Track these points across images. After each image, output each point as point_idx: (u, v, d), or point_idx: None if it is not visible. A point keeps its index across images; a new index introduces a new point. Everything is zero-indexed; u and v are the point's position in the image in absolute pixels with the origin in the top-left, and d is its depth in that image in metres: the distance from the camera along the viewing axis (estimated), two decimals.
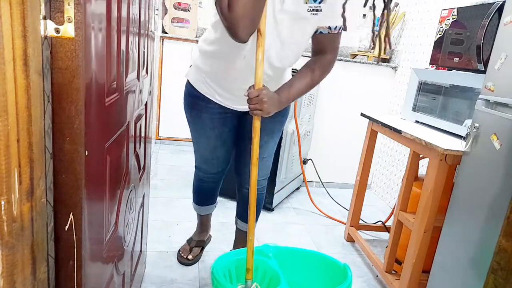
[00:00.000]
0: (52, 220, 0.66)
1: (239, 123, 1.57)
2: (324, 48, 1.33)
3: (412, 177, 1.73)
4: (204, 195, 1.80)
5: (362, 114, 2.08)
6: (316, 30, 1.29)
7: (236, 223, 1.85)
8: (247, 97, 1.20)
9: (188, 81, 1.53)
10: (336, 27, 1.29)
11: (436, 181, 1.45)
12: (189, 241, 1.91)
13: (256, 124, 1.25)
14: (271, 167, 2.42)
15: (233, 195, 2.56)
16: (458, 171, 1.39)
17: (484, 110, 1.26)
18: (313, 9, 1.24)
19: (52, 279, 0.68)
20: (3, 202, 0.51)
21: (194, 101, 1.51)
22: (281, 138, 2.36)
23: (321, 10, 1.25)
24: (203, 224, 1.92)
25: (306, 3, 1.22)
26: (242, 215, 1.79)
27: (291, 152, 2.53)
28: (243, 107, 1.42)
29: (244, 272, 1.33)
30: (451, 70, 1.77)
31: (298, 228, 2.33)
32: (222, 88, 1.43)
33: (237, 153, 1.66)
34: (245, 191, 1.69)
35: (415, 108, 1.93)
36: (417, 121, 1.91)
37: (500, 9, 1.47)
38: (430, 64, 1.92)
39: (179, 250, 1.88)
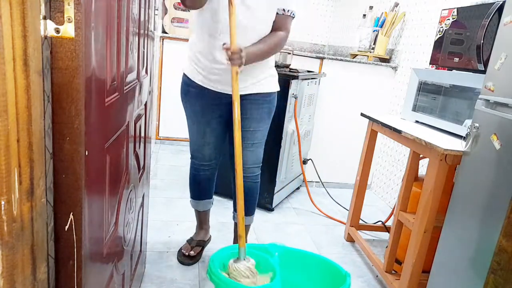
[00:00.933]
0: (52, 220, 0.66)
1: (230, 111, 1.64)
2: (278, 26, 1.58)
3: (412, 177, 1.73)
4: (199, 187, 1.85)
5: (362, 114, 2.08)
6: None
7: (234, 218, 1.87)
8: (225, 49, 1.39)
9: (184, 73, 1.70)
10: (289, 10, 1.56)
11: (436, 181, 1.45)
12: (189, 241, 1.91)
13: (237, 105, 1.39)
14: (272, 167, 2.43)
15: (232, 194, 2.57)
16: (458, 171, 1.39)
17: (484, 110, 1.26)
18: None
19: (52, 279, 0.68)
20: (3, 202, 0.51)
21: (188, 88, 1.68)
22: (281, 138, 2.36)
23: None
24: (202, 222, 1.94)
25: None
26: None
27: (291, 152, 2.53)
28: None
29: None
30: (451, 70, 1.77)
31: (298, 228, 2.33)
32: (209, 70, 1.59)
33: (230, 139, 1.73)
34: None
35: (415, 108, 1.93)
36: (417, 121, 1.91)
37: (500, 9, 1.47)
38: (430, 64, 1.92)
39: (180, 250, 1.88)
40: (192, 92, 1.66)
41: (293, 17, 1.60)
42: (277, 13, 1.55)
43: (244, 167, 1.67)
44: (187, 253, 1.84)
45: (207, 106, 1.66)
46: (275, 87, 1.71)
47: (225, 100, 1.63)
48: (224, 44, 1.40)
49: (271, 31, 1.58)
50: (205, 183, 1.85)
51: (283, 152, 2.42)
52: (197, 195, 1.86)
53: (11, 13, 0.49)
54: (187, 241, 1.92)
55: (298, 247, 1.52)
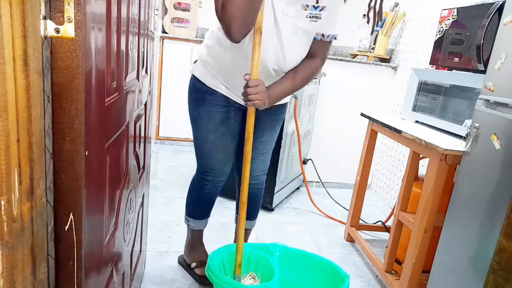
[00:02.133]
0: (52, 220, 0.66)
1: (242, 119, 1.52)
2: (314, 53, 1.37)
3: (412, 177, 1.73)
4: (205, 206, 1.67)
5: (362, 114, 2.08)
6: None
7: (236, 221, 1.82)
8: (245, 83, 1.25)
9: (193, 76, 1.50)
10: (329, 35, 1.34)
11: (436, 181, 1.45)
12: (192, 265, 1.70)
13: (252, 115, 1.28)
14: (272, 167, 2.44)
15: (232, 195, 2.57)
16: (458, 171, 1.39)
17: (484, 110, 1.26)
18: (312, 15, 1.29)
19: (52, 279, 0.68)
20: (3, 202, 0.51)
21: (201, 95, 1.47)
22: (281, 138, 2.36)
23: (321, 18, 1.30)
24: (198, 240, 1.73)
25: (305, 10, 1.29)
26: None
27: (291, 152, 2.53)
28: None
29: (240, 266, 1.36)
30: (451, 70, 1.77)
31: (298, 228, 2.33)
32: (229, 82, 1.44)
33: (239, 148, 1.58)
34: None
35: (415, 108, 1.93)
36: (417, 121, 1.91)
37: (500, 9, 1.47)
38: (430, 64, 1.92)
39: (192, 270, 1.69)
40: (208, 100, 1.46)
41: (335, 39, 1.37)
42: (314, 38, 1.33)
43: (252, 175, 1.56)
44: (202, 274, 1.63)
45: (227, 114, 1.48)
46: (289, 97, 1.56)
47: (241, 108, 1.50)
48: (246, 74, 1.24)
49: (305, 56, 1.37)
50: (212, 201, 1.66)
51: (283, 152, 2.42)
52: (200, 214, 1.65)
53: (11, 13, 0.49)
54: (190, 268, 1.71)
55: (298, 247, 1.52)
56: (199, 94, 1.48)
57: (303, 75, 1.37)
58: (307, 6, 1.28)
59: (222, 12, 1.15)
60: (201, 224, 1.69)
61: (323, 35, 1.33)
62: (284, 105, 1.59)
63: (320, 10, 1.29)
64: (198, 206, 1.65)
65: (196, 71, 1.50)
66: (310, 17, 1.29)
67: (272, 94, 1.32)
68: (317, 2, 1.27)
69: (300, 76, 1.37)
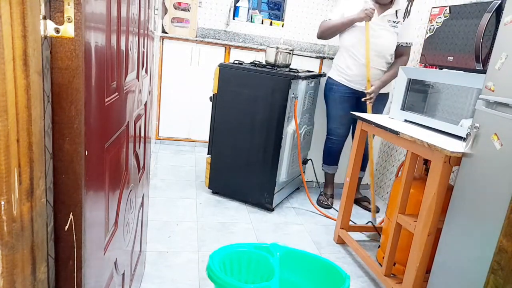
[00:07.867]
0: (52, 220, 0.66)
1: (356, 104, 2.54)
2: (402, 53, 2.45)
3: (411, 179, 1.69)
4: (331, 156, 2.69)
5: (351, 114, 2.07)
6: (399, 44, 2.42)
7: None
8: (368, 93, 2.39)
9: (329, 77, 2.58)
10: (411, 43, 2.44)
11: (440, 183, 1.42)
12: (324, 195, 2.72)
13: (370, 108, 2.40)
14: (272, 167, 2.44)
15: (232, 195, 2.57)
16: (458, 171, 1.39)
17: (485, 110, 1.26)
18: (392, 24, 2.37)
19: (52, 279, 0.68)
20: (3, 202, 0.51)
21: (331, 87, 2.55)
22: (281, 138, 2.36)
23: (397, 26, 2.37)
24: (329, 181, 2.78)
25: (389, 22, 2.35)
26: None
27: (291, 152, 2.53)
28: (360, 87, 2.47)
29: (239, 267, 1.38)
30: (442, 69, 1.75)
31: (298, 228, 2.33)
32: (350, 77, 2.48)
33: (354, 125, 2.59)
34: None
35: (403, 107, 1.90)
36: (406, 120, 1.88)
37: (498, 9, 1.47)
38: (420, 62, 1.91)
39: (319, 200, 2.70)
40: (336, 90, 2.53)
41: (411, 45, 2.47)
42: (401, 45, 2.40)
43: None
44: (325, 203, 2.66)
45: (346, 98, 2.52)
46: (390, 87, 2.62)
47: (356, 94, 2.50)
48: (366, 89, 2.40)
49: (396, 56, 2.44)
50: (336, 153, 2.71)
51: (283, 152, 2.42)
52: (329, 162, 2.72)
53: (11, 13, 0.49)
54: (322, 194, 2.74)
55: (298, 247, 1.52)
56: (331, 87, 2.57)
57: (397, 68, 2.21)
58: (389, 20, 2.34)
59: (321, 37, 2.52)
60: (328, 169, 2.75)
61: (407, 43, 2.42)
62: (387, 94, 2.55)
63: (397, 24, 2.36)
64: (326, 156, 2.72)
65: (332, 74, 2.58)
66: (391, 25, 2.36)
67: (381, 82, 2.38)
68: (396, 18, 2.35)
69: (395, 72, 2.29)
